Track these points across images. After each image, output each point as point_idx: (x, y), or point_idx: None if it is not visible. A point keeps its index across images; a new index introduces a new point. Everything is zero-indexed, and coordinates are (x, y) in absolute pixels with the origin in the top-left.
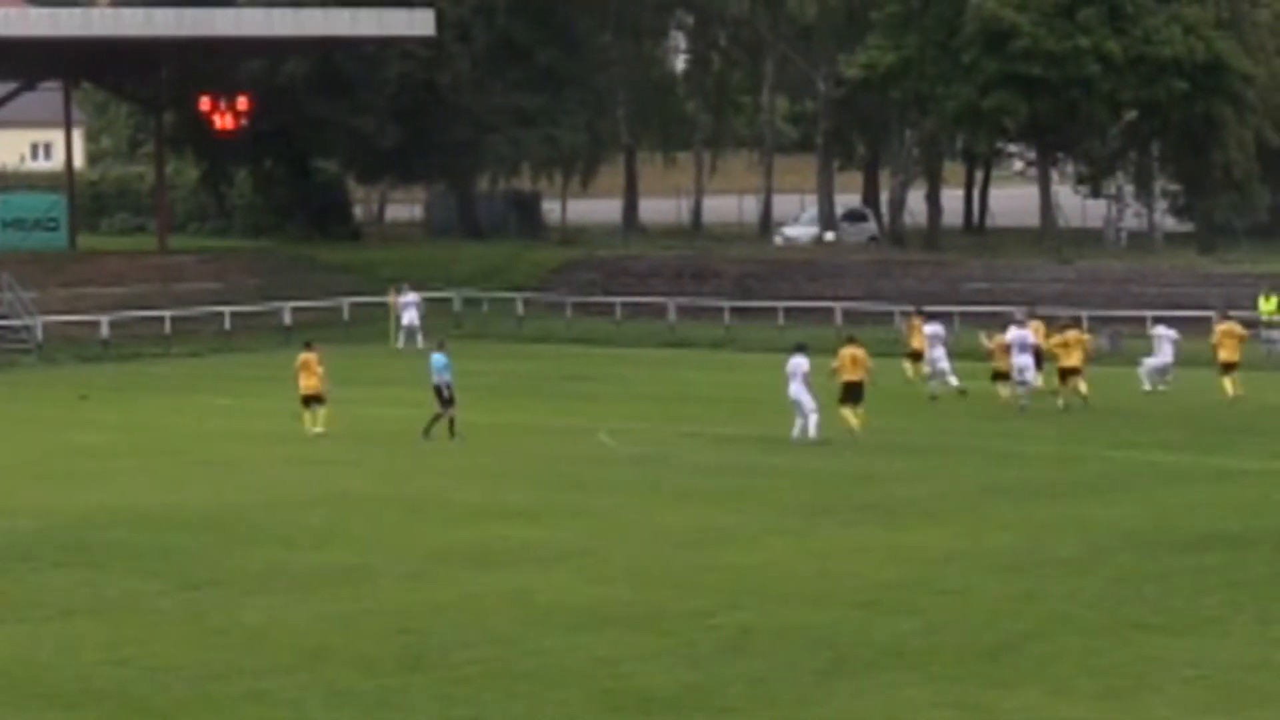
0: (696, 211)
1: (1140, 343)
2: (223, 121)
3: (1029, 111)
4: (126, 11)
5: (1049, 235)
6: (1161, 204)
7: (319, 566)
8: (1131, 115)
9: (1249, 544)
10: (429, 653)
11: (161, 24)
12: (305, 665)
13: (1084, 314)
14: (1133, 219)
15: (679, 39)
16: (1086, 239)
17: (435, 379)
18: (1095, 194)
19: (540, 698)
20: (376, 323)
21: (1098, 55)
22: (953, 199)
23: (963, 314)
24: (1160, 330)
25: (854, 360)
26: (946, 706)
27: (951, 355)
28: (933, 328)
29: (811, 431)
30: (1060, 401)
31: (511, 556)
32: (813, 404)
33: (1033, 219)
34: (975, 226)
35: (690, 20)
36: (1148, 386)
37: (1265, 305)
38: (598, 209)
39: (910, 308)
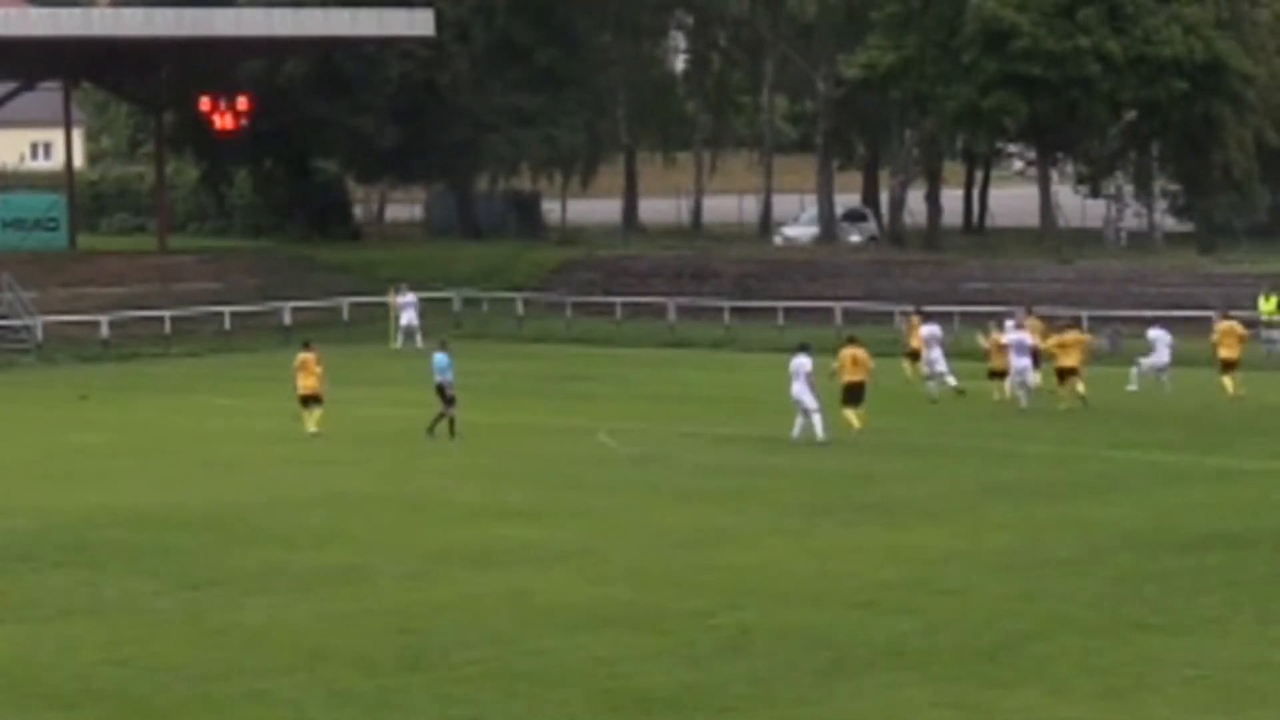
0: (696, 211)
1: (1140, 343)
2: (222, 121)
3: (1029, 111)
4: (126, 11)
5: (1049, 235)
6: (1161, 204)
7: (319, 566)
8: (1131, 115)
9: (1249, 544)
10: (429, 653)
11: (161, 24)
12: (305, 665)
13: (1084, 314)
14: (1132, 219)
15: (679, 39)
16: (1086, 239)
17: (438, 378)
18: (1095, 194)
19: (540, 698)
20: (376, 323)
21: (1098, 55)
22: (952, 199)
23: (963, 314)
24: (1154, 333)
25: (854, 361)
26: (946, 706)
27: (948, 355)
28: (929, 329)
29: (819, 432)
30: (1062, 405)
31: (511, 556)
32: (815, 404)
33: (1032, 219)
34: (975, 226)
35: (690, 20)
36: (1134, 387)
37: (1265, 305)
38: (597, 209)
39: (909, 308)
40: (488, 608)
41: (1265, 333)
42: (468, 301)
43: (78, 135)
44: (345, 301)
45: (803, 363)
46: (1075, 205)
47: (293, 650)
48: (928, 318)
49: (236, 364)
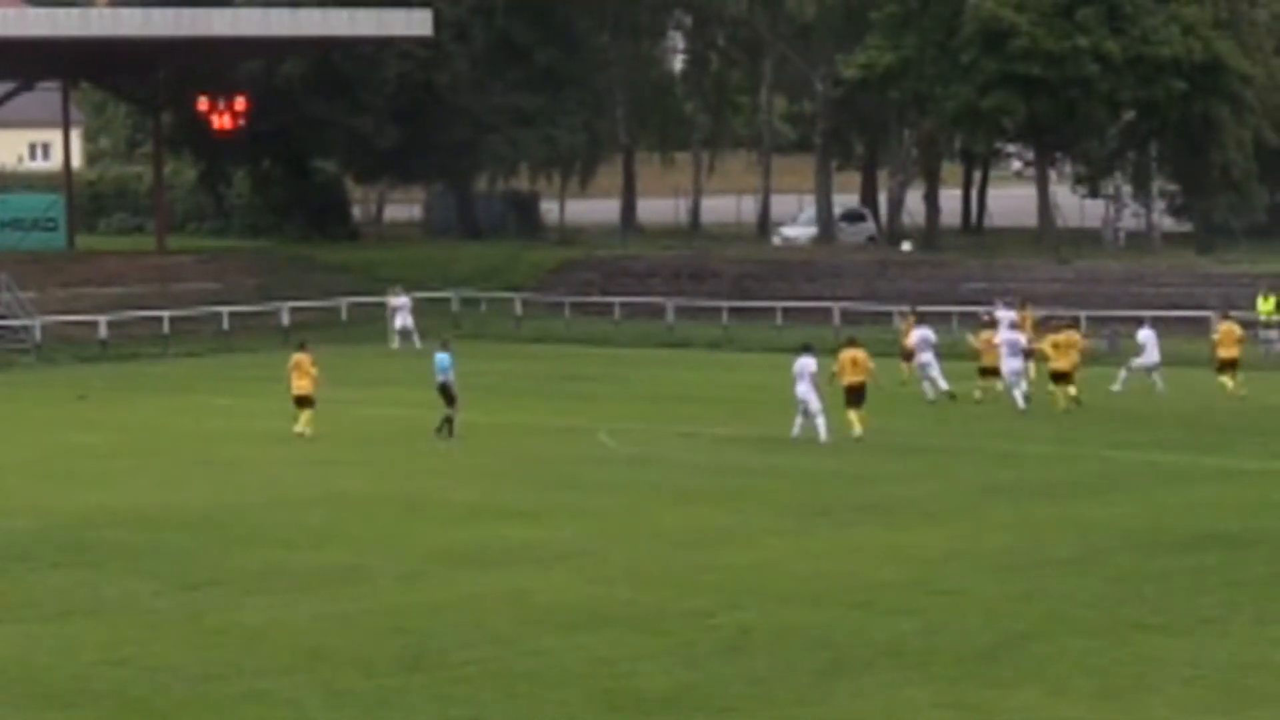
0: (695, 212)
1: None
2: (221, 121)
3: (1027, 111)
4: (124, 11)
5: (1047, 235)
6: (1160, 204)
7: (318, 567)
8: (1130, 115)
9: (1247, 544)
10: (428, 653)
11: (159, 24)
12: (304, 665)
13: (1082, 314)
14: (1131, 219)
15: (677, 39)
16: (1085, 239)
17: (440, 378)
18: (1093, 194)
19: (539, 698)
20: (375, 323)
21: (1096, 55)
22: (951, 199)
23: (961, 314)
24: (1143, 334)
25: (854, 362)
26: (945, 706)
27: (941, 357)
28: (921, 332)
29: (822, 435)
30: (1061, 406)
31: (510, 556)
32: (819, 405)
33: (1031, 219)
34: (973, 227)
35: (688, 20)
36: (1118, 388)
37: (1263, 305)
38: (596, 209)
39: (907, 308)
40: (487, 608)
41: (1263, 333)
42: (466, 302)
43: (76, 135)
44: (344, 302)
45: (807, 363)
46: (1074, 205)
47: (292, 650)
48: (921, 319)
49: (235, 364)
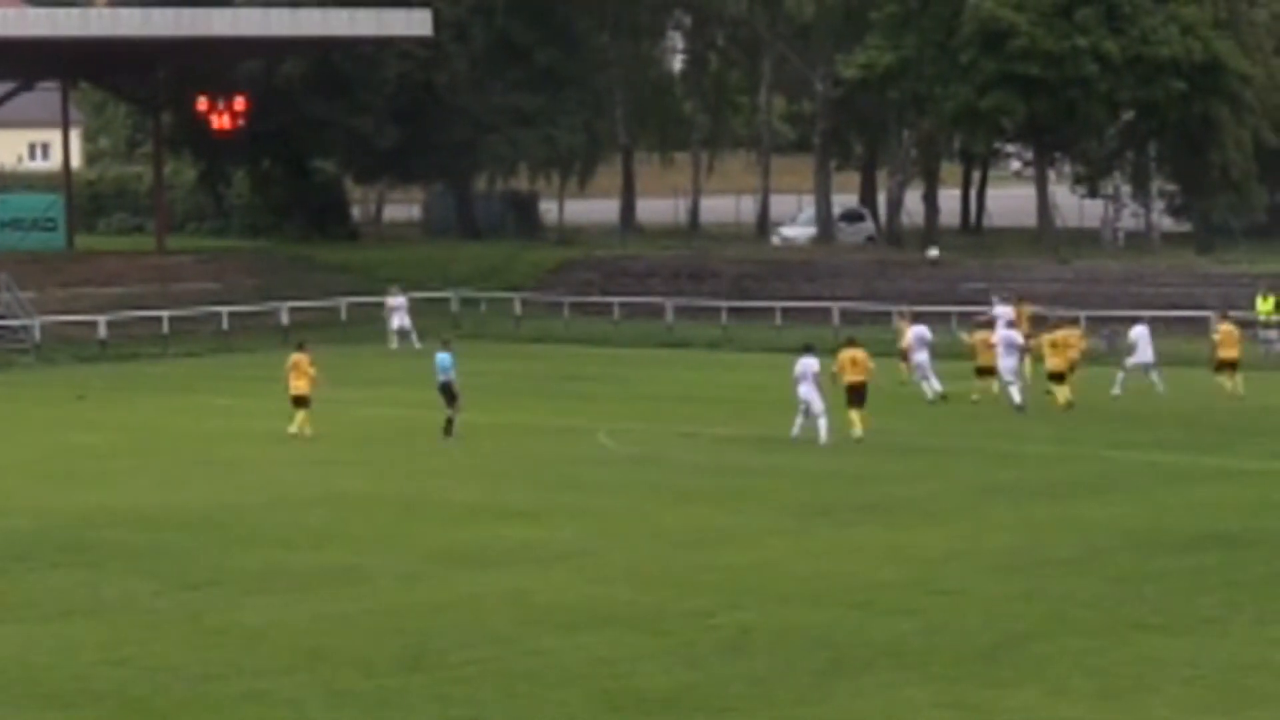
0: (694, 212)
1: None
2: (220, 121)
3: (1027, 111)
4: (124, 11)
5: (1046, 235)
6: (1159, 204)
7: (318, 567)
8: (1129, 115)
9: (1247, 544)
10: (428, 653)
11: (159, 24)
12: (304, 665)
13: (1082, 314)
14: (1130, 219)
15: (676, 39)
16: (1084, 239)
17: (441, 378)
18: (1093, 194)
19: (539, 698)
20: (374, 323)
21: (1095, 55)
22: (950, 199)
23: (960, 314)
24: (1136, 331)
25: (854, 362)
26: (945, 706)
27: (936, 357)
28: (918, 330)
29: (823, 435)
30: (1060, 405)
31: (510, 556)
32: (822, 406)
33: (1030, 219)
34: (973, 227)
35: (688, 20)
36: (1117, 390)
37: (1263, 305)
38: (595, 209)
39: (906, 307)
40: (487, 608)
41: (1263, 333)
42: (466, 301)
43: (75, 135)
44: (343, 301)
45: (810, 364)
46: (1073, 205)
47: (292, 650)
48: (917, 318)
49: (235, 364)
